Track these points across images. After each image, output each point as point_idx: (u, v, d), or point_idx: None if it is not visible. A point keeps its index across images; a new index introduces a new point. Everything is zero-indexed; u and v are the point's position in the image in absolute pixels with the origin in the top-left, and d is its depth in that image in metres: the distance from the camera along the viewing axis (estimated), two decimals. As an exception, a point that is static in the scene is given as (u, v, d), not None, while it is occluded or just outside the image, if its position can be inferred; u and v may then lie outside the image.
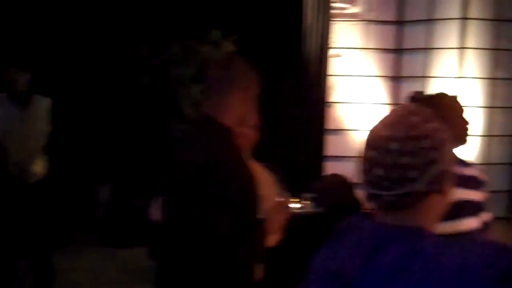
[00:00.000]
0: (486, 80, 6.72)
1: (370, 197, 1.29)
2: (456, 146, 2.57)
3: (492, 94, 6.77)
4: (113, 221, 7.14)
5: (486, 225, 2.61)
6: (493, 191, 6.73)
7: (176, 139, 2.20)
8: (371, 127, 1.32)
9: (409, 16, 6.88)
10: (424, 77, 6.77)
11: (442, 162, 1.26)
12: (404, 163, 1.22)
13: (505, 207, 6.98)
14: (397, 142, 1.23)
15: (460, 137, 2.58)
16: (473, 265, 1.12)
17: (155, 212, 2.46)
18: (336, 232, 1.34)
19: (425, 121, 1.27)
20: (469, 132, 2.64)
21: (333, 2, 6.74)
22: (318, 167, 6.61)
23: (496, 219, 6.82)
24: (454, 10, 6.58)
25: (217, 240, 1.96)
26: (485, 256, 1.14)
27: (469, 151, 6.73)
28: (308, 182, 5.59)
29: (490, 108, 6.78)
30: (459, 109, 2.62)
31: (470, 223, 2.50)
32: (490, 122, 6.80)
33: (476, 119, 6.72)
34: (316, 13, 6.68)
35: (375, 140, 1.26)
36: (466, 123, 2.61)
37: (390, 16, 6.90)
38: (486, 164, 6.82)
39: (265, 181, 2.76)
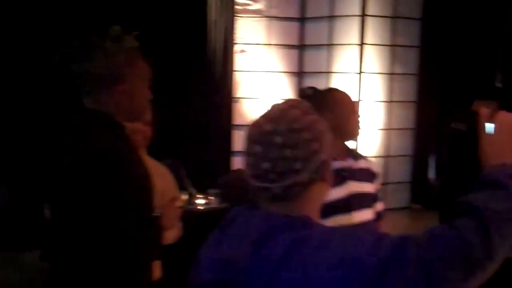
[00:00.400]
0: (384, 75, 6.97)
1: (258, 190, 1.32)
2: (347, 140, 2.60)
3: (390, 88, 7.03)
4: (11, 224, 6.85)
5: (378, 216, 2.68)
6: (395, 182, 7.07)
7: (63, 135, 2.11)
8: (251, 122, 1.36)
9: (311, 13, 7.02)
10: (327, 72, 6.94)
11: (323, 152, 1.31)
12: (288, 156, 1.27)
13: (407, 197, 7.27)
14: (280, 136, 1.28)
15: (351, 131, 2.60)
16: (357, 253, 1.17)
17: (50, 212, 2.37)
18: (224, 221, 1.37)
19: (304, 114, 1.32)
20: (360, 126, 2.65)
21: (237, -1, 6.79)
22: (226, 163, 6.63)
23: (399, 209, 7.15)
24: (354, 7, 6.78)
25: (109, 239, 1.92)
26: (369, 244, 1.18)
27: (371, 144, 6.96)
28: (216, 177, 5.60)
29: (389, 102, 7.04)
30: (349, 103, 2.62)
31: (364, 215, 2.54)
32: (389, 116, 7.06)
33: (376, 113, 6.96)
34: (220, 9, 6.69)
35: (260, 135, 1.30)
36: (357, 117, 2.63)
37: (292, 13, 7.02)
38: (387, 156, 7.08)
39: (161, 177, 2.74)
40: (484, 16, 4.53)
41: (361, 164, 2.63)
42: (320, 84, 6.43)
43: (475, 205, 1.20)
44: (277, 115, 1.31)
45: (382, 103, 7.00)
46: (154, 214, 2.10)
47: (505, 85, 4.25)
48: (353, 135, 2.62)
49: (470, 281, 1.16)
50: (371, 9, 6.78)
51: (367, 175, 2.64)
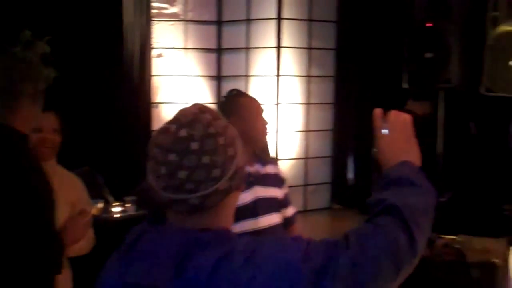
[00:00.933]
0: (302, 78, 7.05)
1: (171, 203, 1.23)
2: (253, 145, 2.56)
3: (308, 90, 7.12)
4: None
5: (289, 220, 2.69)
6: (315, 184, 7.15)
7: None
8: (158, 130, 1.27)
9: (228, 16, 7.01)
10: (245, 76, 6.95)
11: (238, 158, 1.26)
12: (207, 162, 1.20)
13: (328, 198, 7.37)
14: (197, 142, 1.20)
15: (257, 136, 2.57)
16: (290, 263, 1.14)
17: None
18: (127, 241, 1.26)
19: (215, 119, 1.26)
20: (267, 132, 2.64)
21: (152, 2, 6.69)
22: (145, 169, 6.49)
23: (320, 209, 7.23)
24: (270, 11, 6.82)
25: (7, 252, 1.83)
26: (300, 253, 1.15)
27: (290, 146, 7.02)
28: (135, 184, 5.49)
29: (307, 104, 7.12)
30: (254, 108, 2.61)
31: (271, 220, 2.55)
32: (308, 118, 7.14)
33: (294, 115, 7.03)
34: (135, 12, 6.57)
35: (174, 142, 1.21)
36: (263, 122, 2.62)
37: (209, 16, 6.99)
38: (306, 158, 7.16)
39: (71, 187, 2.66)
40: (392, 17, 4.67)
41: (268, 169, 2.64)
42: (239, 87, 6.43)
43: (392, 203, 1.21)
44: (190, 120, 1.23)
45: (300, 105, 7.07)
46: (56, 227, 2.04)
47: (411, 85, 4.38)
48: (259, 141, 2.61)
49: (399, 277, 1.18)
50: (287, 12, 6.84)
51: (274, 180, 2.64)
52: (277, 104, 6.79)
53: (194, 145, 1.20)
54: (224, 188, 1.23)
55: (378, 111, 1.37)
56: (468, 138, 4.72)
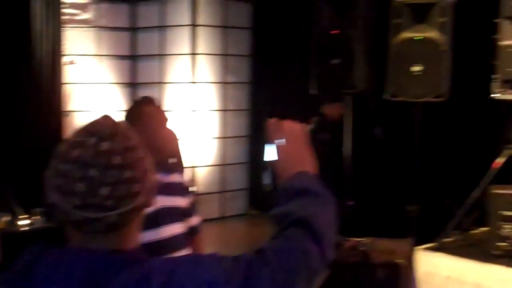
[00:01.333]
0: (218, 84, 7.06)
1: (87, 222, 1.13)
2: (156, 154, 2.52)
3: (224, 97, 7.13)
4: None
5: (194, 230, 2.67)
6: (233, 190, 7.16)
7: None
8: (67, 144, 1.16)
9: (141, 23, 6.94)
10: (160, 83, 6.89)
11: (151, 172, 1.21)
12: (128, 177, 1.14)
13: (245, 204, 7.39)
14: (119, 156, 1.14)
15: (159, 145, 2.53)
16: (211, 282, 1.11)
17: None
18: (19, 266, 1.15)
19: (128, 130, 1.20)
20: (170, 140, 2.62)
21: (63, 8, 6.53)
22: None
23: (238, 215, 7.25)
24: (184, 17, 6.80)
25: None
26: (220, 270, 1.13)
27: (207, 153, 7.01)
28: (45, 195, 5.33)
29: (223, 111, 7.13)
30: (157, 117, 2.58)
31: (173, 229, 2.52)
32: (224, 124, 7.15)
33: (211, 122, 7.03)
34: (45, 19, 6.39)
35: (95, 156, 1.12)
36: (166, 131, 2.59)
37: (122, 23, 6.90)
38: (223, 164, 7.16)
39: None
40: (302, 24, 4.75)
41: (172, 178, 2.61)
42: (153, 94, 6.37)
43: (301, 216, 1.21)
44: (110, 133, 1.15)
45: (217, 112, 7.08)
46: None
47: (318, 91, 4.46)
48: (162, 150, 2.58)
49: (312, 286, 1.19)
50: (201, 19, 6.84)
51: (178, 189, 2.62)
52: (193, 111, 6.77)
53: (116, 159, 1.13)
54: (141, 204, 1.17)
55: (272, 122, 1.37)
56: (374, 142, 4.84)
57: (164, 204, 2.47)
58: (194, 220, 2.69)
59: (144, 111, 2.57)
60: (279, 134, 1.35)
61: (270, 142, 1.36)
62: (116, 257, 1.14)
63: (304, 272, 1.17)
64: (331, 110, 4.83)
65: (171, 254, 2.41)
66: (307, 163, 1.34)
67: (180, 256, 1.27)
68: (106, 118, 1.21)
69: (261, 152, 1.39)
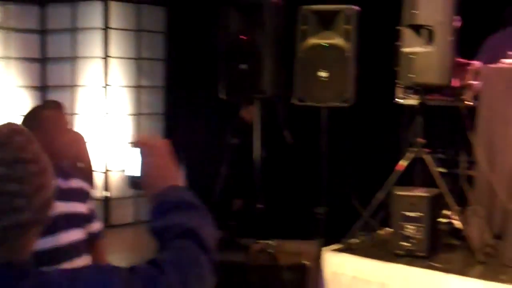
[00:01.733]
0: (131, 88, 6.98)
1: None
2: (58, 159, 2.47)
3: (138, 101, 7.05)
4: None
5: (94, 236, 2.63)
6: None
7: None
8: None
9: (52, 25, 6.77)
10: (72, 86, 6.75)
11: (48, 188, 1.18)
12: (12, 190, 1.10)
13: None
14: (5, 167, 1.10)
15: (58, 151, 2.47)
16: None
17: None
18: None
19: (29, 142, 1.17)
20: (72, 146, 2.57)
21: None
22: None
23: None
24: (96, 20, 6.69)
25: None
26: (123, 281, 1.13)
27: (121, 158, 6.90)
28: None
29: (137, 115, 7.06)
30: (57, 121, 2.53)
31: (72, 236, 2.47)
32: (138, 129, 7.06)
33: (125, 126, 6.93)
34: None
35: None
36: (67, 136, 2.54)
37: (32, 25, 6.71)
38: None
39: None
40: (213, 29, 4.76)
41: (72, 183, 2.56)
42: (65, 98, 6.24)
43: (188, 227, 1.24)
44: (0, 142, 1.12)
45: (130, 116, 7.00)
46: None
47: (227, 96, 4.49)
48: (61, 155, 2.53)
49: None
50: (114, 22, 6.75)
51: (77, 194, 2.57)
52: (106, 114, 6.66)
53: (1, 170, 1.10)
54: (28, 221, 1.13)
55: (141, 137, 1.40)
56: (283, 146, 4.92)
57: (62, 210, 2.42)
58: (95, 226, 2.64)
59: (43, 115, 2.52)
60: (143, 150, 1.36)
61: (135, 158, 1.36)
62: (6, 270, 1.10)
63: (198, 282, 1.21)
64: (247, 114, 4.88)
65: (70, 261, 2.38)
66: (175, 177, 1.36)
67: (79, 268, 1.25)
68: (5, 126, 1.18)
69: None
